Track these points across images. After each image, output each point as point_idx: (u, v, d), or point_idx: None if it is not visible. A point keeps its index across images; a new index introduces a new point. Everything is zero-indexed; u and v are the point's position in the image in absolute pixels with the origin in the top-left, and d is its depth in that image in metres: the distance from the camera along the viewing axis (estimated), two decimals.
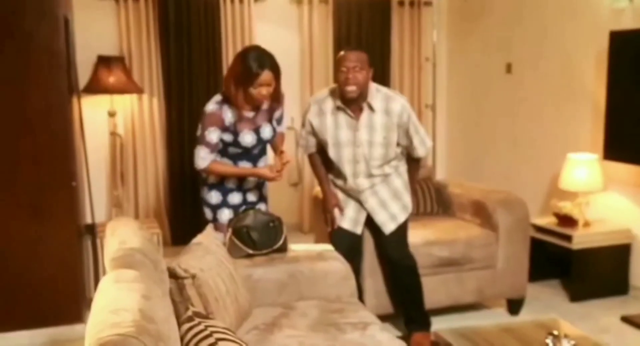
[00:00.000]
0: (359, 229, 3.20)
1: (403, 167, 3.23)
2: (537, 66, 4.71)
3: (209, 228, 2.63)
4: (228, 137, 2.92)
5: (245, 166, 3.03)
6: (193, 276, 2.12)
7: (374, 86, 3.03)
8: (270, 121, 3.00)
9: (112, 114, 4.86)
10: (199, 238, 2.47)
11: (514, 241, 3.56)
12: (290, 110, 5.43)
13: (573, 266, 3.85)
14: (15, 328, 3.24)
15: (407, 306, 3.27)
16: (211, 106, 2.89)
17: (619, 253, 3.93)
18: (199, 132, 2.90)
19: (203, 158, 2.88)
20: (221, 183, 3.04)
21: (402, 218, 3.17)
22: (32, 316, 3.27)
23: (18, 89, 3.18)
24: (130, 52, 4.95)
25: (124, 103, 5.00)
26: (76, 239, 3.40)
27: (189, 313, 1.68)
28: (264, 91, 2.81)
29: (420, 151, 3.16)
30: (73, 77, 3.63)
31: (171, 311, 1.72)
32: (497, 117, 5.22)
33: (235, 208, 3.06)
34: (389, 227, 3.16)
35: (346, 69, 2.86)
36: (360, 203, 3.18)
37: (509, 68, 5.02)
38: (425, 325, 3.24)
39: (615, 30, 3.76)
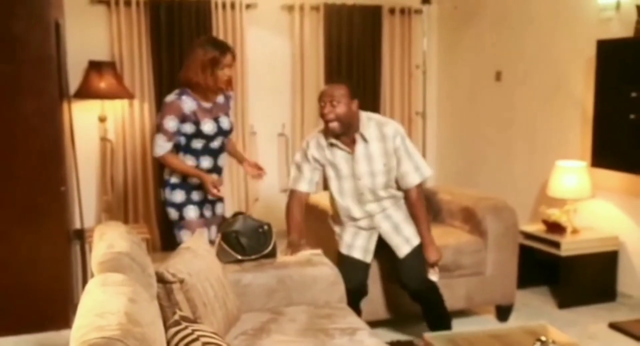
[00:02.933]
0: (369, 258, 3.09)
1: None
2: (527, 74, 4.75)
3: (199, 232, 2.63)
4: (190, 128, 3.04)
5: (207, 161, 3.13)
6: (181, 281, 2.12)
7: (364, 116, 2.97)
8: (227, 114, 3.17)
9: (102, 120, 4.85)
10: (187, 243, 2.47)
11: (503, 247, 3.58)
12: (281, 116, 5.50)
13: (561, 273, 3.87)
14: (1, 334, 3.22)
15: (434, 320, 3.21)
16: (170, 97, 3.05)
17: (607, 260, 3.95)
18: (157, 121, 3.06)
19: (161, 146, 3.02)
20: (184, 181, 3.12)
21: (416, 242, 3.05)
22: (19, 322, 3.25)
23: (8, 94, 3.18)
24: (122, 57, 4.95)
25: (115, 108, 4.99)
26: (65, 244, 3.38)
27: (176, 317, 1.67)
28: (228, 71, 3.05)
29: (412, 177, 3.00)
30: (64, 82, 3.63)
31: (158, 315, 1.72)
32: (486, 125, 5.26)
33: (199, 204, 3.15)
34: (403, 250, 3.04)
35: (324, 104, 2.87)
36: (371, 230, 3.08)
37: (498, 76, 5.06)
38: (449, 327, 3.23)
39: (602, 39, 3.80)
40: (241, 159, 3.40)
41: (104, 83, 4.68)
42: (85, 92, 4.68)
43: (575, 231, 3.97)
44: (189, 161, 3.10)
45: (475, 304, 3.62)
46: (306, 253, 2.92)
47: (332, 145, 2.96)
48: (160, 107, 4.93)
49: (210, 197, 3.12)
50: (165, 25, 5.01)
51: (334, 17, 5.43)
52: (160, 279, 2.10)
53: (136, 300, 1.54)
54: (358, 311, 3.06)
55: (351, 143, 2.94)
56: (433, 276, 3.09)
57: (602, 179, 4.03)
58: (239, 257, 2.78)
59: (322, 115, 2.87)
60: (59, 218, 3.34)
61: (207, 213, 3.19)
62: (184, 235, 3.10)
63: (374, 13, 5.56)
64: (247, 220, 2.87)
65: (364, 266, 3.10)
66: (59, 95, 3.35)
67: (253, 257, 2.81)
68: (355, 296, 3.02)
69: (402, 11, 5.64)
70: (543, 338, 2.40)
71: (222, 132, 3.13)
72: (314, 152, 3.01)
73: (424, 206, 3.09)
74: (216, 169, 3.18)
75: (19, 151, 3.22)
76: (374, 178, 2.96)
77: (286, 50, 5.45)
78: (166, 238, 5.11)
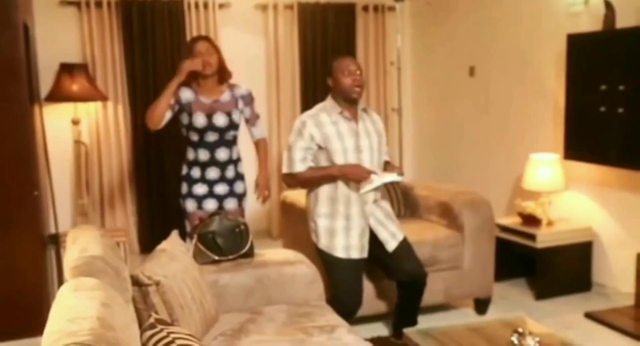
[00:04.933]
0: (366, 252, 3.05)
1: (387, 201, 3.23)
2: (500, 69, 4.80)
3: (174, 234, 2.61)
4: (185, 119, 3.27)
5: (204, 154, 3.29)
6: (157, 283, 2.10)
7: None
8: (228, 112, 3.27)
9: (76, 122, 4.79)
10: (163, 245, 2.45)
11: (480, 241, 3.61)
12: None
13: (538, 265, 3.92)
14: None
15: (408, 315, 3.22)
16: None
17: (582, 251, 4.02)
18: None
19: (146, 115, 3.29)
20: (188, 174, 3.33)
21: (401, 236, 3.08)
22: None
23: None
24: (94, 59, 4.89)
25: (88, 111, 4.94)
26: (39, 249, 3.33)
27: (151, 320, 1.66)
28: (208, 57, 3.20)
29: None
30: (34, 86, 3.57)
31: (133, 319, 1.70)
32: (461, 120, 5.30)
33: (198, 198, 3.31)
34: (391, 244, 3.05)
35: (350, 72, 2.95)
36: (363, 221, 3.03)
37: (472, 71, 5.10)
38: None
39: (572, 33, 3.85)
40: (260, 169, 3.57)
41: (76, 85, 4.62)
42: (58, 95, 4.62)
43: (550, 223, 4.02)
44: (190, 154, 3.32)
45: (453, 298, 3.65)
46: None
47: (340, 114, 2.96)
48: (134, 107, 4.98)
49: (216, 191, 3.32)
50: (138, 26, 4.96)
51: (308, 16, 5.42)
52: (136, 283, 2.08)
53: (109, 304, 1.52)
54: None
55: (354, 116, 3.01)
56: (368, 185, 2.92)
57: (575, 172, 4.09)
58: (216, 258, 2.77)
59: (352, 81, 2.94)
60: (32, 223, 3.28)
61: (210, 205, 3.31)
62: (187, 225, 3.33)
63: (348, 11, 5.57)
64: (224, 220, 2.86)
65: (362, 261, 3.05)
66: (29, 99, 3.29)
67: (230, 257, 2.80)
68: (352, 312, 3.02)
69: (376, 8, 5.65)
70: (520, 330, 2.43)
71: (214, 128, 3.26)
72: (312, 129, 2.95)
73: None
74: (215, 163, 3.30)
75: None
76: (373, 153, 2.99)
77: (261, 49, 5.44)
78: (144, 241, 5.08)
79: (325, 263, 3.05)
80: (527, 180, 4.13)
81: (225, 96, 3.31)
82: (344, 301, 2.96)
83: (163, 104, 3.20)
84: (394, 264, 3.11)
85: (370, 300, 3.38)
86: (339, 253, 3.01)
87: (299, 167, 2.97)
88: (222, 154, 3.31)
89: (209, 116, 3.24)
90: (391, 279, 3.22)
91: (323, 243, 3.04)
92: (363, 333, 3.30)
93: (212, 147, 3.29)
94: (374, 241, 3.07)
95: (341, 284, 3.00)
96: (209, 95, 3.27)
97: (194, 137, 3.29)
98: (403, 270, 3.10)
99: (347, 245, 3.01)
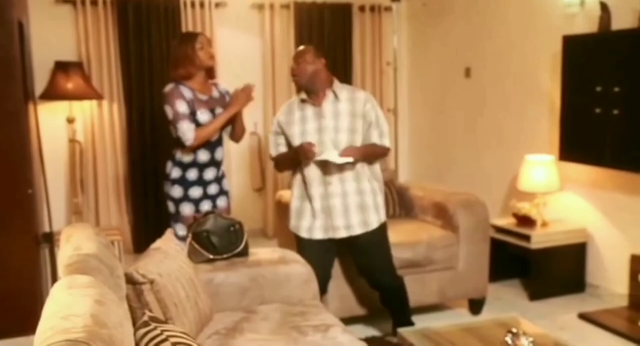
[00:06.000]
0: (333, 234, 3.07)
1: (381, 195, 3.17)
2: (495, 70, 4.81)
3: (169, 233, 2.60)
4: None
5: (204, 154, 3.21)
6: (151, 282, 2.09)
7: (337, 81, 3.15)
8: (223, 107, 3.23)
9: (70, 121, 4.78)
10: (157, 243, 2.44)
11: (475, 242, 3.62)
12: (252, 115, 5.46)
13: (532, 266, 3.93)
14: None
15: (398, 317, 3.26)
16: (168, 87, 3.15)
17: (576, 252, 4.02)
18: (169, 113, 3.10)
19: (188, 129, 3.07)
20: (183, 177, 3.20)
21: (357, 231, 3.06)
22: None
23: None
24: (89, 57, 4.87)
25: (83, 109, 4.92)
26: (33, 247, 3.32)
27: (145, 317, 1.65)
28: (208, 49, 3.17)
29: (374, 141, 3.10)
30: (29, 84, 3.56)
31: (127, 317, 1.69)
32: (457, 121, 5.30)
33: (195, 201, 3.22)
34: (339, 233, 3.06)
35: (293, 64, 3.13)
36: (325, 202, 3.06)
37: (468, 72, 5.11)
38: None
39: (567, 34, 3.86)
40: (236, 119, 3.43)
41: (71, 84, 4.60)
42: (52, 93, 4.60)
43: (544, 224, 4.03)
44: (185, 156, 3.18)
45: (448, 298, 3.65)
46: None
47: (303, 101, 3.10)
48: (129, 106, 4.96)
49: (210, 192, 3.25)
50: (133, 25, 4.95)
51: (304, 16, 5.42)
52: (130, 281, 2.08)
53: (103, 302, 1.52)
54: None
55: (319, 100, 3.08)
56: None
57: (570, 173, 4.10)
58: (211, 256, 2.77)
59: (290, 72, 3.13)
60: (26, 221, 3.27)
61: (206, 207, 3.25)
62: (179, 229, 3.21)
63: (344, 11, 5.57)
64: (218, 219, 2.85)
65: (327, 242, 3.09)
66: (23, 97, 3.28)
67: (225, 256, 2.79)
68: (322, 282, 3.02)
69: (372, 9, 5.66)
70: (514, 330, 2.43)
71: None
72: (281, 117, 3.17)
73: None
74: (214, 163, 3.25)
75: None
76: (337, 134, 3.03)
77: (257, 49, 5.43)
78: (139, 240, 5.06)
79: (295, 243, 3.17)
80: (522, 181, 4.14)
81: (215, 93, 3.27)
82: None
83: (217, 130, 3.18)
84: (361, 268, 3.18)
85: (364, 298, 3.38)
86: (303, 233, 3.12)
87: (273, 151, 3.21)
88: (219, 153, 3.28)
89: (212, 111, 3.18)
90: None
91: (292, 224, 3.18)
92: (358, 332, 3.31)
93: (212, 147, 3.22)
94: (351, 246, 3.12)
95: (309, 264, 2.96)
96: (203, 92, 3.20)
97: None
98: (370, 277, 3.18)
99: (311, 226, 3.10)
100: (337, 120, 3.05)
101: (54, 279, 3.82)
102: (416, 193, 3.98)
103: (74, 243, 1.97)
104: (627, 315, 3.57)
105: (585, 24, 3.89)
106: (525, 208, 4.06)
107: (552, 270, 3.97)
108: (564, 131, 3.91)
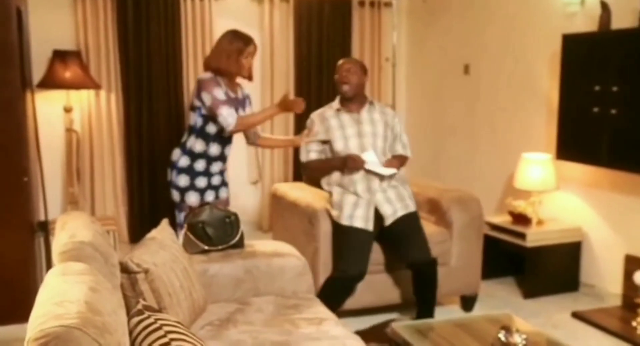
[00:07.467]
0: (370, 226, 3.26)
1: (408, 189, 3.47)
2: (494, 67, 4.81)
3: (164, 223, 2.60)
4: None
5: (215, 148, 3.28)
6: (146, 271, 2.09)
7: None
8: (244, 109, 3.34)
9: (68, 110, 4.76)
10: (153, 233, 2.44)
11: (468, 238, 3.62)
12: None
13: (526, 264, 3.94)
14: None
15: (424, 305, 3.36)
16: (206, 75, 3.22)
17: (571, 251, 4.04)
18: (207, 99, 3.15)
19: (229, 115, 3.13)
20: (190, 167, 3.27)
21: (399, 214, 3.30)
22: None
23: None
24: (88, 46, 4.85)
25: (81, 99, 4.90)
26: (28, 235, 3.31)
27: (139, 306, 1.65)
28: (251, 60, 3.27)
29: (398, 152, 3.50)
30: (27, 72, 3.55)
31: (121, 305, 1.69)
32: (455, 117, 5.31)
33: (201, 191, 3.30)
34: (389, 220, 3.29)
35: (341, 70, 3.38)
36: (368, 195, 3.30)
37: (466, 69, 5.11)
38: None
39: (567, 33, 3.86)
40: (289, 142, 3.98)
41: (69, 73, 4.59)
42: (50, 82, 4.59)
43: (540, 223, 4.04)
44: (197, 146, 3.25)
45: (440, 294, 3.62)
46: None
47: (339, 110, 3.40)
48: (127, 96, 4.94)
49: (213, 183, 3.33)
50: (132, 15, 4.93)
51: (304, 10, 5.41)
52: (125, 270, 2.07)
53: (97, 289, 1.52)
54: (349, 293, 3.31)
55: (356, 109, 3.40)
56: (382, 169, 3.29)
57: (566, 172, 4.10)
58: (206, 247, 2.77)
59: (339, 79, 3.37)
60: (22, 209, 3.26)
61: (210, 197, 3.32)
62: (184, 217, 3.25)
63: (344, 6, 5.56)
64: (214, 210, 2.86)
65: (367, 233, 3.24)
66: (21, 84, 3.27)
67: (220, 247, 2.79)
68: (354, 279, 3.25)
69: (372, 4, 5.65)
70: (507, 327, 2.43)
71: None
72: (317, 124, 3.43)
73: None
74: (222, 158, 3.35)
75: None
76: (376, 139, 3.36)
77: (256, 42, 5.40)
78: (134, 230, 5.06)
79: (333, 232, 3.32)
80: (518, 179, 4.14)
81: (240, 94, 3.36)
82: (347, 271, 3.20)
83: (258, 123, 3.33)
84: (399, 248, 3.32)
85: (359, 293, 3.39)
86: (345, 221, 3.25)
87: (305, 157, 3.48)
88: (229, 150, 3.38)
89: (236, 111, 3.24)
90: (403, 266, 3.37)
91: (334, 214, 3.33)
92: (351, 326, 3.32)
93: (225, 143, 3.32)
94: (383, 226, 3.30)
95: (345, 252, 3.22)
96: (233, 91, 3.29)
97: (212, 129, 3.23)
98: (406, 255, 3.30)
99: (352, 215, 3.25)
100: (375, 127, 3.38)
101: (49, 267, 3.81)
102: (411, 189, 3.97)
103: (69, 230, 1.97)
104: (621, 314, 3.58)
105: (585, 22, 3.89)
106: (521, 206, 4.07)
107: (547, 268, 3.98)
108: (562, 130, 3.91)
